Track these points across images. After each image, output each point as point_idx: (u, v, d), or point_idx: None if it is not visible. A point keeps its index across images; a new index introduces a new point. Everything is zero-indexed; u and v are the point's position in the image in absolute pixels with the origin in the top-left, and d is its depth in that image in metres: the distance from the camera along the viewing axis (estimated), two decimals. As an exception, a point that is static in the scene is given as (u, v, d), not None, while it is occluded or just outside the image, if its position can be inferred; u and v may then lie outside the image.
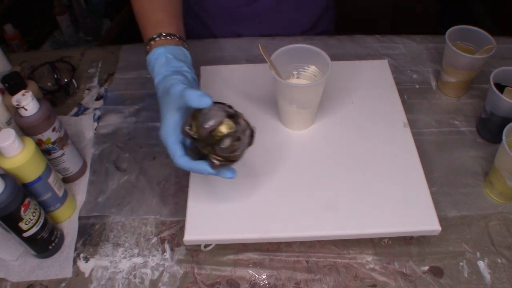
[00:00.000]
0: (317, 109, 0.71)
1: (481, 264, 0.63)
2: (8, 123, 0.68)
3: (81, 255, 0.65)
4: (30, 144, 0.60)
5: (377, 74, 0.79)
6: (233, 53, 0.92)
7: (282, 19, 0.94)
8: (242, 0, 0.90)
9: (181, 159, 0.55)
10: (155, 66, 0.60)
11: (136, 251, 0.66)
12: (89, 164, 0.76)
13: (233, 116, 0.53)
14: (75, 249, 0.66)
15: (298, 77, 0.71)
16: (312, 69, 0.69)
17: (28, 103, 0.61)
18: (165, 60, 0.60)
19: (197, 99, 0.52)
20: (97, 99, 0.86)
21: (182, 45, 0.63)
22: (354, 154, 0.68)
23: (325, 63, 0.66)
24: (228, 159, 0.54)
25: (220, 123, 0.52)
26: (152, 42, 0.62)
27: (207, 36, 0.98)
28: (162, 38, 0.62)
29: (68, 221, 0.69)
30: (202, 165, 0.54)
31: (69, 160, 0.70)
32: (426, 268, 0.63)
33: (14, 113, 0.64)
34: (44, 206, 0.65)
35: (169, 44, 0.62)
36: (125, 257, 0.65)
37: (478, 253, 0.64)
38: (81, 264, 0.65)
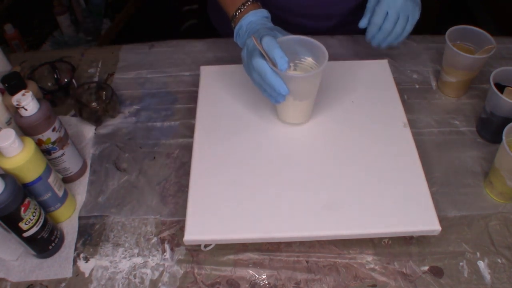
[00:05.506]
0: (317, 108, 0.71)
1: (481, 264, 0.63)
2: (8, 123, 0.68)
3: (81, 255, 0.65)
4: (30, 144, 0.60)
5: (377, 74, 0.79)
6: (233, 53, 0.92)
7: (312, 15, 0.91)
8: None
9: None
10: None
11: (136, 251, 0.66)
12: (89, 164, 0.76)
13: None
14: (75, 249, 0.66)
15: (295, 69, 0.71)
16: (309, 61, 0.69)
17: (28, 103, 0.61)
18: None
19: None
20: (97, 99, 0.86)
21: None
22: (354, 154, 0.68)
23: (322, 55, 0.65)
24: None
25: None
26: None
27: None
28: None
29: (68, 221, 0.69)
30: None
31: (69, 160, 0.70)
32: (426, 268, 0.63)
33: (14, 113, 0.63)
34: (44, 206, 0.65)
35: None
36: (125, 257, 0.65)
37: (478, 253, 0.64)
38: (81, 264, 0.65)
